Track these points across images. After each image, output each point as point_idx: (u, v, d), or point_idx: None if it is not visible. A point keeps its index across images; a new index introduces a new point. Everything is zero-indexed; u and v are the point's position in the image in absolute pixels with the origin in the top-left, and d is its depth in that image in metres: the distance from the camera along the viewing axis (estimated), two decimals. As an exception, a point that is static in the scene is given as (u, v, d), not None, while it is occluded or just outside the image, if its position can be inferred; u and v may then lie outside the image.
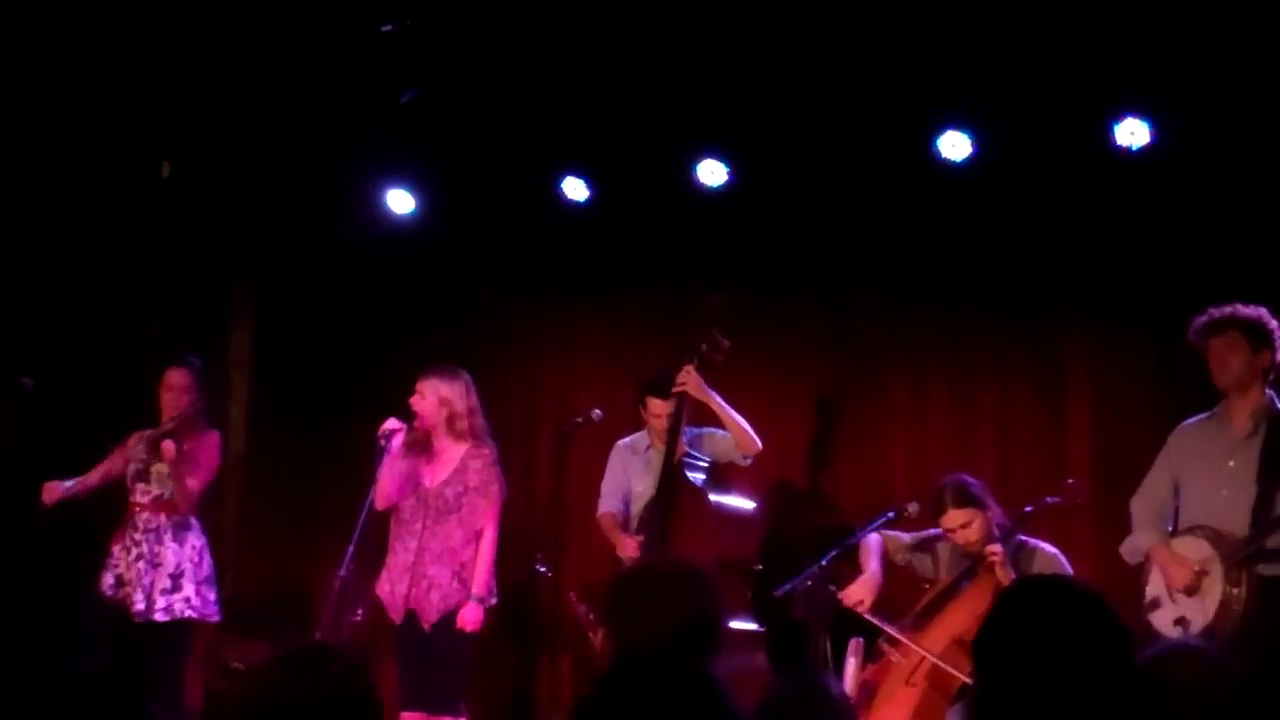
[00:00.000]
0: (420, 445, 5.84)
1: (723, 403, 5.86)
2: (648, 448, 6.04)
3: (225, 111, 6.69)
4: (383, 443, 5.71)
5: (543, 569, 6.32)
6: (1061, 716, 1.96)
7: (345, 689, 2.27)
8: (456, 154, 6.77)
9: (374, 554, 5.97)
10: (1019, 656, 2.00)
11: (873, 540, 5.44)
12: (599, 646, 5.71)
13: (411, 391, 5.85)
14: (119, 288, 7.12)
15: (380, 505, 5.77)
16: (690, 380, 5.82)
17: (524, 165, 6.74)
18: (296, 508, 7.27)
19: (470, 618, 5.67)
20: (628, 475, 6.05)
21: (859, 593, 5.26)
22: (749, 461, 5.91)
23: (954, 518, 5.18)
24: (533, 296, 7.22)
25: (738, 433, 5.85)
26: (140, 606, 5.78)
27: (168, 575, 5.85)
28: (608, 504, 6.07)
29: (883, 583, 5.32)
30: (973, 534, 5.18)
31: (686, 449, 5.94)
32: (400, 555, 5.80)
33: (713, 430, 6.03)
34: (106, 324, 7.04)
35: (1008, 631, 2.04)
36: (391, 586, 5.77)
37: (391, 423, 5.75)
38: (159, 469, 5.95)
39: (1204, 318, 4.79)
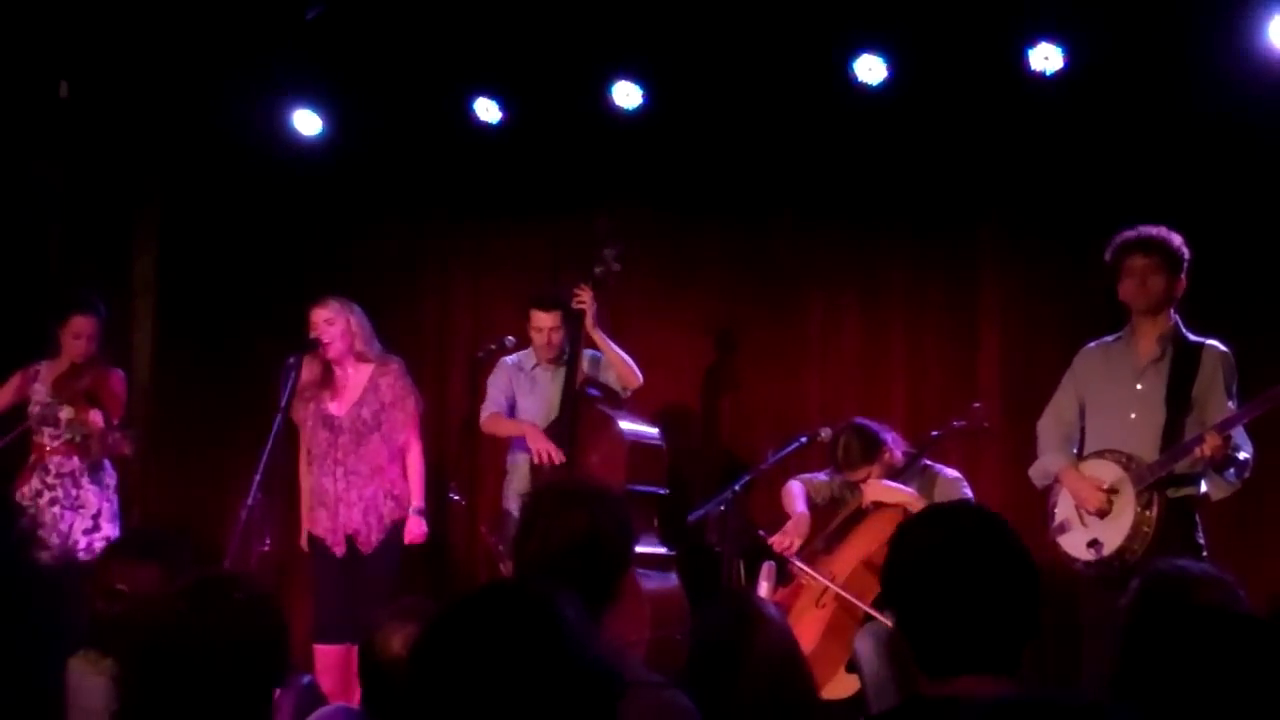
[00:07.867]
0: (317, 382, 5.74)
1: (604, 335, 5.83)
2: (534, 365, 5.96)
3: (126, 29, 6.47)
4: (290, 371, 5.61)
5: (456, 497, 6.28)
6: (979, 638, 1.97)
7: (251, 618, 2.22)
8: (365, 73, 6.61)
9: (282, 484, 5.88)
10: (925, 585, 2.02)
11: (795, 487, 5.51)
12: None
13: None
14: (18, 212, 6.89)
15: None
16: (589, 301, 5.76)
17: (435, 86, 6.61)
18: (202, 437, 7.13)
19: (416, 531, 5.74)
20: (512, 389, 5.97)
21: (788, 538, 5.33)
22: (628, 393, 5.89)
23: (859, 474, 5.33)
24: (445, 220, 7.11)
25: (618, 365, 5.84)
26: (57, 549, 5.80)
27: (90, 516, 5.92)
28: (493, 408, 5.96)
29: (809, 525, 5.39)
30: (875, 483, 5.31)
31: (586, 373, 5.87)
32: (327, 489, 5.73)
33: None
34: (5, 250, 6.82)
35: (910, 562, 2.07)
36: (333, 523, 5.72)
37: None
38: (66, 415, 5.91)
39: (1131, 234, 4.75)
